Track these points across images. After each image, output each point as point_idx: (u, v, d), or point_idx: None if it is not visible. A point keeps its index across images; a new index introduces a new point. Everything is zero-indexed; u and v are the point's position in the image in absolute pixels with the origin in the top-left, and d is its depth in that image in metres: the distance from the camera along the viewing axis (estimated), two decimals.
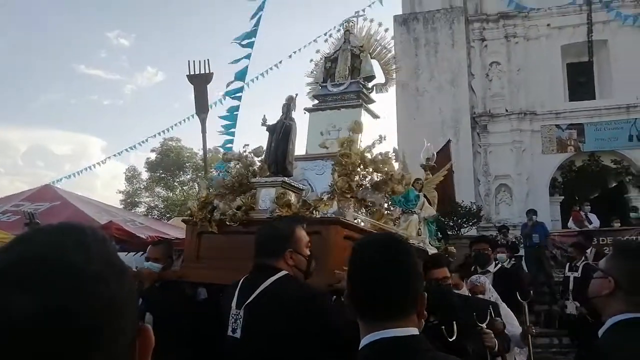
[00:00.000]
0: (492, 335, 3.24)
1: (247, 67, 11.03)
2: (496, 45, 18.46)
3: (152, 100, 54.97)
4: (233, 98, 11.23)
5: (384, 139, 4.78)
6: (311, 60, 6.29)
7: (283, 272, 2.56)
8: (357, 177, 4.39)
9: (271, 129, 4.13)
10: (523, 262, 12.01)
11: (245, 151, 4.68)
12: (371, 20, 6.07)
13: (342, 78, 5.69)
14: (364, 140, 4.87)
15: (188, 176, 32.06)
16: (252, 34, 9.89)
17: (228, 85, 11.25)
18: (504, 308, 4.44)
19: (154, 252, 4.00)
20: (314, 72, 6.14)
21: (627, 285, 1.87)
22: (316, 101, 5.73)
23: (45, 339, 0.59)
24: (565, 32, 18.17)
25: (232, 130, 12.51)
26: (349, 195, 4.23)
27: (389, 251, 1.57)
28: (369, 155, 4.52)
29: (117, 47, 52.56)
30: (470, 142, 17.92)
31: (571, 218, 14.40)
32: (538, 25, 18.31)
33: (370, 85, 5.87)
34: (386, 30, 6.18)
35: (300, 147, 5.36)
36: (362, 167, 4.45)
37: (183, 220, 4.46)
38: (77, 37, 53.66)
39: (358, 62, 5.76)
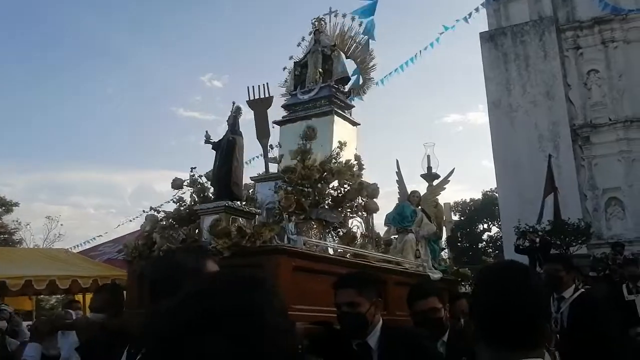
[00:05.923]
0: None
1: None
2: (593, 52, 17.53)
3: (245, 137, 57.28)
4: None
5: (345, 146, 4.22)
6: (284, 69, 5.59)
7: None
8: (314, 193, 3.75)
9: (216, 146, 3.60)
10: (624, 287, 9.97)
11: (194, 175, 4.15)
12: (344, 16, 5.41)
13: (313, 83, 5.02)
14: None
15: None
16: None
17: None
18: None
19: (94, 301, 3.44)
20: (287, 81, 5.53)
21: None
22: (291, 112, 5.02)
23: None
24: None
25: None
26: (301, 217, 3.64)
27: (522, 277, 1.50)
28: (333, 166, 3.90)
29: (211, 89, 55.73)
30: (572, 155, 16.99)
31: None
32: (639, 27, 17.20)
33: (346, 89, 5.20)
34: (360, 24, 5.42)
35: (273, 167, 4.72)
36: (323, 182, 3.85)
37: (124, 260, 3.80)
38: (174, 82, 57.59)
39: (330, 63, 5.08)
